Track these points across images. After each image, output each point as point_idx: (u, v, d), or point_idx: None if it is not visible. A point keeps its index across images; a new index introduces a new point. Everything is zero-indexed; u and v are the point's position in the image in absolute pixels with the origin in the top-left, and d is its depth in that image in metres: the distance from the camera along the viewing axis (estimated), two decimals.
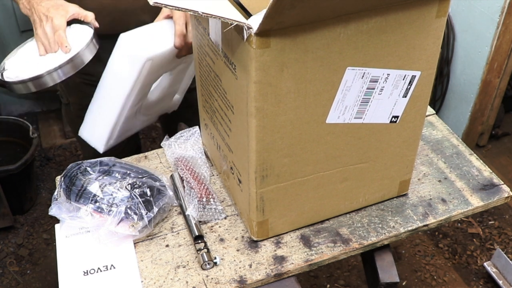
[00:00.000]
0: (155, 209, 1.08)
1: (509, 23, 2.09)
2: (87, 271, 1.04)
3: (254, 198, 1.00)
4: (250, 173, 0.97)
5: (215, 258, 1.04)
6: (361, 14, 0.84)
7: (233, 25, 0.78)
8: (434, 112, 1.40)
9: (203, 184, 1.16)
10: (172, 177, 1.19)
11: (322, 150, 0.99)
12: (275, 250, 1.07)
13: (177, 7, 0.75)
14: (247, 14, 0.82)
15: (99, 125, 1.30)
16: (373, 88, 0.95)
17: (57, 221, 1.10)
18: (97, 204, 1.07)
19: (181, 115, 1.59)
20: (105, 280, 1.02)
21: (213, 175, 1.22)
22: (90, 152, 1.43)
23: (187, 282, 1.02)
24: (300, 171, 1.00)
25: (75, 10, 1.24)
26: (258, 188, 0.99)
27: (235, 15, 0.80)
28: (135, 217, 1.05)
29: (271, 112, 0.89)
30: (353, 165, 1.05)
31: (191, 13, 0.75)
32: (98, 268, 1.04)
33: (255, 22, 0.78)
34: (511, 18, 2.08)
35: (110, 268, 1.04)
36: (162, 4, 0.74)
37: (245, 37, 0.81)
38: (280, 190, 1.01)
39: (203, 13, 0.76)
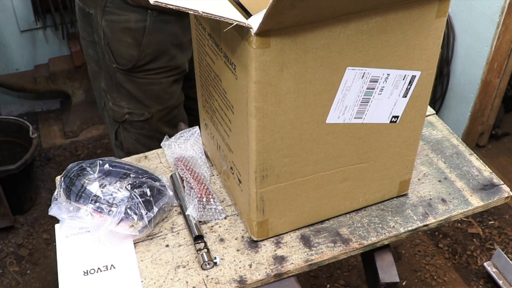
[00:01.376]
0: (155, 209, 1.08)
1: (509, 23, 2.09)
2: (87, 271, 1.03)
3: (254, 198, 1.00)
4: (250, 173, 0.97)
5: (215, 258, 1.04)
6: (361, 14, 0.84)
7: (233, 25, 0.78)
8: (434, 112, 1.40)
9: (203, 184, 1.16)
10: (172, 177, 1.19)
11: (322, 150, 0.99)
12: (275, 250, 1.07)
13: (178, 6, 0.75)
14: (247, 14, 0.82)
15: None
16: (373, 88, 0.95)
17: (57, 221, 1.10)
18: (97, 204, 1.07)
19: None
20: (105, 280, 1.02)
21: (213, 175, 1.22)
22: None
23: (187, 282, 1.02)
24: (300, 171, 1.00)
25: None
26: (258, 188, 0.99)
27: (235, 15, 0.80)
28: (135, 217, 1.05)
29: (271, 112, 0.89)
30: (353, 165, 1.05)
31: (191, 12, 0.75)
32: (98, 268, 1.04)
33: (255, 22, 0.78)
34: (511, 18, 2.08)
35: (110, 268, 1.04)
36: (163, 3, 0.74)
37: (245, 37, 0.81)
38: (280, 190, 1.01)
39: (203, 12, 0.76)
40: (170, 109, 1.58)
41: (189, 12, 0.75)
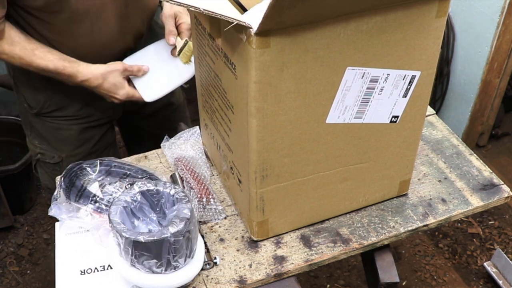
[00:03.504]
0: None
1: (509, 23, 2.09)
2: (84, 270, 1.03)
3: (254, 198, 1.00)
4: (250, 173, 0.97)
5: (215, 258, 1.04)
6: (361, 14, 0.84)
7: (233, 24, 0.78)
8: (434, 112, 1.40)
9: (203, 184, 1.16)
10: (172, 177, 1.19)
11: (322, 150, 0.99)
12: (275, 250, 1.07)
13: (180, 3, 0.75)
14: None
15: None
16: (373, 88, 0.95)
17: (57, 221, 1.10)
18: (97, 204, 1.07)
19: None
20: (102, 280, 1.02)
21: (213, 175, 1.22)
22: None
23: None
24: (300, 171, 1.00)
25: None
26: (258, 188, 0.99)
27: (236, 15, 0.80)
28: None
29: (271, 112, 0.89)
30: (353, 165, 1.05)
31: (193, 9, 0.76)
32: (95, 268, 1.04)
33: (255, 21, 0.78)
34: (511, 18, 2.08)
35: (107, 269, 1.04)
36: None
37: (245, 37, 0.81)
38: (280, 190, 1.01)
39: (204, 10, 0.76)
40: (85, 155, 1.46)
41: (191, 9, 0.76)
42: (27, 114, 1.42)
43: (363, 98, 0.95)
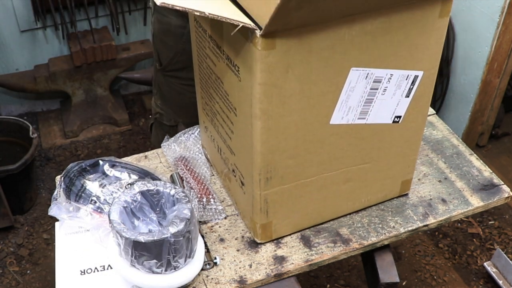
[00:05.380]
0: None
1: (509, 23, 2.09)
2: (84, 270, 1.03)
3: (258, 200, 1.00)
4: (254, 175, 0.97)
5: (215, 258, 1.04)
6: (366, 14, 0.84)
7: (239, 27, 0.77)
8: (434, 112, 1.40)
9: (203, 184, 1.16)
10: (172, 177, 1.19)
11: (326, 151, 0.99)
12: (275, 250, 1.07)
13: (184, 7, 0.74)
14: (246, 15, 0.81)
15: None
16: (377, 89, 0.95)
17: (57, 221, 1.10)
18: (97, 204, 1.06)
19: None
20: (102, 281, 1.02)
21: (213, 175, 1.22)
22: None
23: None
24: (304, 173, 1.00)
25: None
26: (262, 190, 0.98)
27: (240, 17, 0.79)
28: None
29: (275, 113, 0.89)
30: (356, 165, 1.05)
31: (198, 13, 0.75)
32: (95, 268, 1.04)
33: (260, 23, 0.77)
34: (511, 18, 2.08)
35: (107, 269, 1.04)
36: (169, 4, 0.74)
37: (250, 38, 0.80)
38: (284, 192, 1.01)
39: (209, 14, 0.75)
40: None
41: (195, 13, 0.75)
42: (158, 74, 1.53)
43: (366, 99, 0.95)
